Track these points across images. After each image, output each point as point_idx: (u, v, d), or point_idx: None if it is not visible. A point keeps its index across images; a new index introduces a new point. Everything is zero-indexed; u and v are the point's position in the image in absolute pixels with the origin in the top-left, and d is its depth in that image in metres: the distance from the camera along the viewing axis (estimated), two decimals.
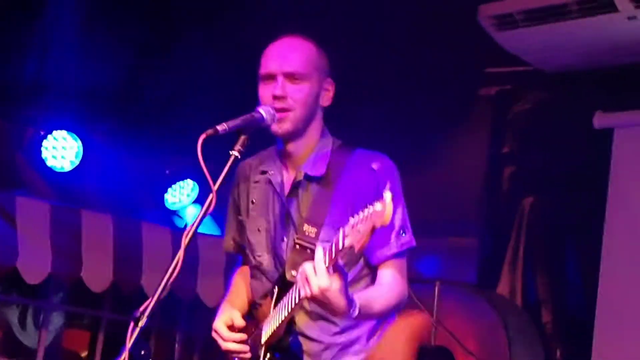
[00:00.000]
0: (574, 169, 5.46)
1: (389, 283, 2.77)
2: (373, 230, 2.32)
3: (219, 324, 2.88)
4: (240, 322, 2.87)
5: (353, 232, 2.34)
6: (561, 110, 5.59)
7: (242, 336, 2.85)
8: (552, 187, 5.60)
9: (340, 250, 2.38)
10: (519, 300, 5.69)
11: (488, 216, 5.90)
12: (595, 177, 5.36)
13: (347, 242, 2.35)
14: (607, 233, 5.27)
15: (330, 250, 2.43)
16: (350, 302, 2.53)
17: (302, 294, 2.53)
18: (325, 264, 2.44)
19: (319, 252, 2.47)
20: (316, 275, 2.44)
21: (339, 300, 2.49)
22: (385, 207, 2.29)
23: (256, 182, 2.97)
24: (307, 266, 2.47)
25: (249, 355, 2.83)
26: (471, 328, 5.54)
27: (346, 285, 2.50)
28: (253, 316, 2.94)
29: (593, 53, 5.11)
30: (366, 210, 2.33)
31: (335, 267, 2.45)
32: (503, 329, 5.44)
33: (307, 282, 2.47)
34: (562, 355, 5.48)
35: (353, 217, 2.36)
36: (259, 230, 2.93)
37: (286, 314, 2.67)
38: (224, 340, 2.85)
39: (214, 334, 2.90)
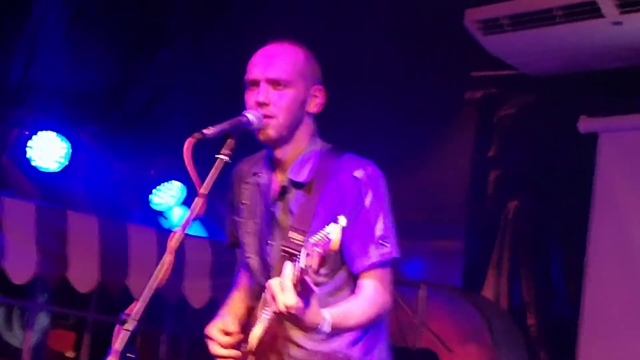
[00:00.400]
0: (558, 173, 5.48)
1: (368, 295, 2.72)
2: (324, 256, 2.34)
3: (212, 329, 2.86)
4: (232, 327, 2.85)
5: (314, 253, 2.35)
6: (546, 114, 5.61)
7: (231, 340, 2.83)
8: (537, 190, 5.62)
9: (303, 269, 2.37)
10: (503, 303, 5.71)
11: (473, 219, 5.90)
12: (580, 182, 5.38)
13: (309, 262, 2.35)
14: (592, 237, 5.30)
15: (294, 269, 2.41)
16: (320, 318, 2.51)
17: (270, 310, 2.53)
18: (292, 281, 2.41)
19: (287, 268, 2.43)
20: (282, 293, 2.42)
21: (306, 318, 2.47)
22: (333, 235, 2.31)
23: (247, 183, 2.96)
24: (273, 282, 2.45)
25: None
26: (456, 331, 5.56)
27: (314, 302, 2.47)
28: (250, 322, 2.91)
29: (578, 58, 5.13)
30: (321, 233, 2.34)
31: (304, 285, 2.42)
32: (488, 332, 5.46)
33: (273, 298, 2.45)
34: (546, 358, 5.49)
35: (313, 237, 2.37)
36: (248, 232, 2.93)
37: (266, 324, 2.66)
38: (215, 343, 2.84)
39: (206, 339, 2.87)
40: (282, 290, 2.42)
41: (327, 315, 2.54)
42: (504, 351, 5.44)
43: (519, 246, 5.72)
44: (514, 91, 5.80)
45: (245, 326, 2.89)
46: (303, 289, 2.43)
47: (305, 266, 2.37)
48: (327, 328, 2.54)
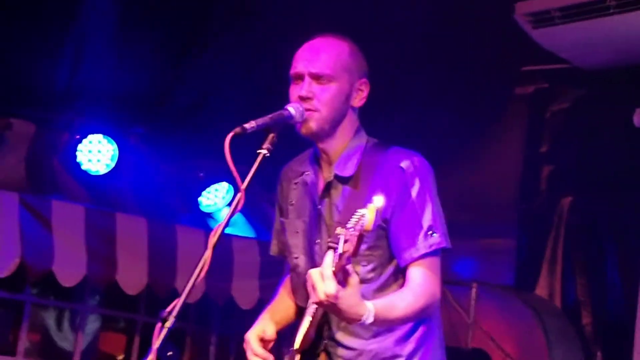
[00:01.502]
0: (613, 167, 5.37)
1: (416, 285, 2.67)
2: (361, 237, 2.34)
3: (251, 335, 2.85)
4: (271, 335, 2.84)
5: (350, 236, 2.35)
6: (600, 108, 5.50)
7: (268, 356, 2.80)
8: (591, 187, 5.52)
9: (342, 255, 2.37)
10: (557, 302, 5.62)
11: (525, 217, 5.81)
12: (635, 175, 5.27)
13: (346, 247, 2.36)
14: None
15: (334, 257, 2.41)
16: (363, 309, 2.48)
17: (311, 301, 2.51)
18: (332, 268, 2.40)
19: (327, 258, 2.43)
20: (323, 281, 2.41)
21: (348, 307, 2.45)
22: (368, 213, 2.31)
23: (296, 183, 2.93)
24: (313, 272, 2.44)
25: None
26: (508, 330, 5.49)
27: (357, 292, 2.45)
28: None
29: (632, 49, 5.00)
30: (356, 215, 2.34)
31: (345, 274, 2.42)
32: (541, 332, 5.38)
33: (313, 288, 2.44)
34: (602, 358, 5.38)
35: (350, 220, 2.37)
36: (296, 232, 2.89)
37: (310, 319, 2.62)
38: (252, 353, 2.82)
39: (245, 344, 2.86)
40: (322, 279, 2.41)
41: (370, 306, 2.50)
42: (558, 351, 5.35)
43: (572, 244, 5.62)
44: (566, 85, 5.70)
45: (293, 327, 2.83)
46: (344, 278, 2.42)
47: (343, 251, 2.36)
48: (370, 319, 2.50)
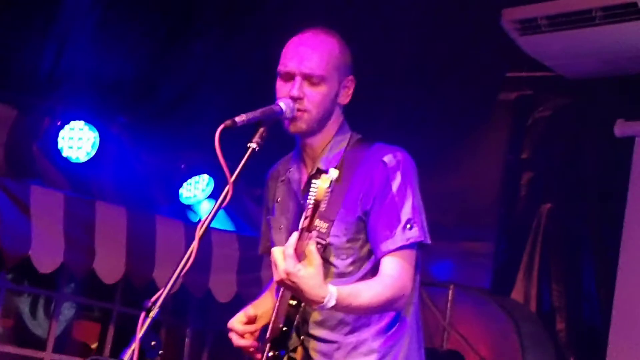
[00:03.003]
0: (593, 177, 5.41)
1: (386, 276, 2.67)
2: (315, 208, 2.36)
3: (233, 321, 2.86)
4: (252, 314, 2.85)
5: (307, 210, 2.39)
6: (582, 117, 5.53)
7: (251, 328, 2.82)
8: (570, 194, 5.55)
9: (301, 233, 2.41)
10: (533, 307, 5.64)
11: (504, 222, 5.83)
12: (615, 186, 5.30)
13: (305, 222, 2.40)
14: (625, 242, 5.20)
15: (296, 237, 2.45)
16: (325, 291, 2.48)
17: (274, 280, 2.52)
18: (294, 248, 2.43)
19: (291, 238, 2.46)
20: (284, 260, 2.43)
21: (309, 288, 2.45)
22: (320, 182, 2.34)
23: (282, 181, 2.96)
24: (275, 250, 2.47)
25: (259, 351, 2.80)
26: (483, 333, 5.51)
27: (320, 275, 2.46)
28: None
29: (616, 60, 5.03)
30: (312, 186, 2.37)
31: (309, 254, 2.44)
32: (516, 335, 5.41)
33: (275, 267, 2.46)
34: None
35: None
36: (280, 228, 2.91)
37: (278, 304, 2.66)
38: (237, 334, 2.83)
39: (229, 333, 2.86)
40: (284, 258, 2.43)
41: (332, 289, 2.50)
42: (531, 355, 5.38)
43: (550, 250, 5.63)
44: (549, 93, 5.73)
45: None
46: (307, 259, 2.44)
47: (302, 227, 2.38)
48: (332, 302, 2.50)
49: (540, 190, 5.73)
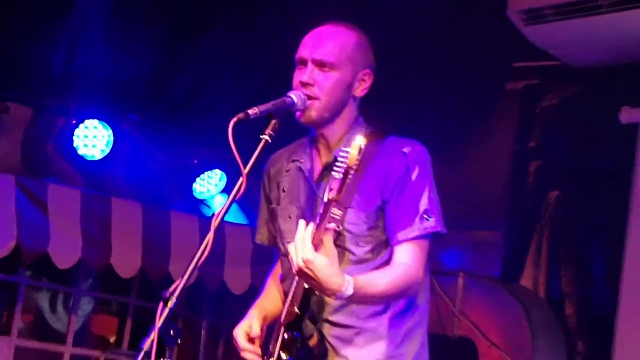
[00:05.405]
0: (600, 163, 5.36)
1: (400, 264, 2.68)
2: (346, 174, 2.38)
3: (238, 332, 2.84)
4: (256, 331, 2.82)
5: (336, 180, 2.40)
6: (589, 105, 5.48)
7: (255, 349, 2.80)
8: (577, 181, 5.50)
9: (327, 204, 2.41)
10: (542, 293, 5.60)
11: (513, 210, 5.78)
12: (621, 173, 5.25)
13: (330, 195, 2.41)
14: (632, 228, 5.15)
15: (314, 228, 2.44)
16: (342, 280, 2.47)
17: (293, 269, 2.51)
18: (312, 235, 2.43)
19: (309, 227, 2.46)
20: (301, 248, 2.43)
21: (326, 277, 2.45)
22: (351, 150, 2.37)
23: (287, 171, 2.92)
24: (292, 244, 2.47)
25: None
26: (494, 320, 5.48)
27: (336, 264, 2.47)
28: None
29: (623, 48, 4.97)
30: (340, 157, 2.39)
31: (326, 242, 2.44)
32: (526, 322, 5.37)
33: (292, 258, 2.47)
34: (583, 348, 5.38)
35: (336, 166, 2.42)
36: (289, 217, 2.87)
37: (293, 291, 2.64)
38: (240, 350, 2.82)
39: (234, 341, 2.85)
40: (302, 247, 2.43)
41: (349, 278, 2.50)
42: (541, 340, 5.35)
43: (558, 237, 5.58)
44: (556, 82, 5.66)
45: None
46: (325, 250, 2.44)
47: (328, 199, 2.39)
48: (350, 291, 2.49)
49: (548, 178, 5.68)
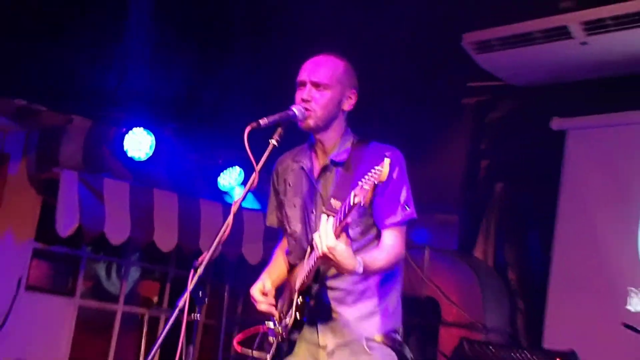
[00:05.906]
0: (536, 161, 5.38)
1: (389, 245, 2.71)
2: (375, 186, 2.35)
3: (254, 289, 2.86)
4: (269, 288, 2.84)
5: (361, 191, 2.36)
6: (526, 116, 5.51)
7: (271, 299, 2.82)
8: (518, 176, 5.52)
9: (352, 206, 2.38)
10: (490, 262, 5.61)
11: (468, 197, 5.80)
12: (553, 168, 5.27)
13: (357, 200, 2.37)
14: (560, 211, 5.19)
15: (343, 208, 2.43)
16: (355, 261, 2.51)
17: (316, 254, 2.52)
18: (334, 227, 2.44)
19: (329, 220, 2.47)
20: (325, 237, 2.44)
21: (344, 259, 2.47)
22: (383, 167, 2.33)
23: (292, 169, 2.94)
24: (321, 228, 2.47)
25: (276, 313, 2.81)
26: (453, 284, 5.49)
27: (350, 249, 2.49)
28: (291, 276, 2.88)
29: (553, 71, 5.02)
30: (370, 173, 2.36)
31: (342, 233, 2.45)
32: (478, 286, 5.38)
33: (316, 246, 2.47)
34: (523, 306, 5.40)
35: (361, 181, 2.38)
36: (294, 205, 2.89)
37: (312, 265, 2.64)
38: (257, 302, 2.83)
39: (251, 298, 2.86)
40: (325, 236, 2.44)
41: (359, 259, 2.54)
42: (490, 299, 5.36)
43: (503, 218, 5.62)
44: (501, 98, 5.70)
45: (289, 279, 2.89)
46: (341, 237, 2.44)
47: (354, 203, 2.37)
48: (361, 269, 2.54)
49: (495, 173, 5.72)
